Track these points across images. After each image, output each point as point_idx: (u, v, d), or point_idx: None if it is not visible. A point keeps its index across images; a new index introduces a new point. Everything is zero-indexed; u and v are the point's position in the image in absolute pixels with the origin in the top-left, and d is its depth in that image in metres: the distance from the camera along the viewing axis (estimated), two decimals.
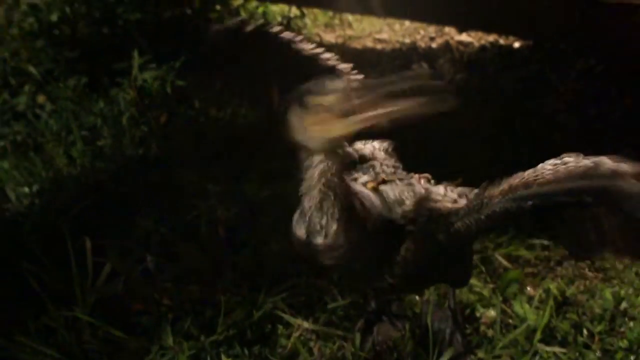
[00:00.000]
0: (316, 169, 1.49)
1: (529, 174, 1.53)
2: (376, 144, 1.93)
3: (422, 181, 1.79)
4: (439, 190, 1.71)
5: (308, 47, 1.85)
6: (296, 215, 1.64)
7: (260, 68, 1.88)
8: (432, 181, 1.80)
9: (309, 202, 1.54)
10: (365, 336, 2.04)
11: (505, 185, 1.55)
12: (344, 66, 1.86)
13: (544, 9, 3.44)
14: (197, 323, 2.05)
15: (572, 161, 1.48)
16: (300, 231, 1.59)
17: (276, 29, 1.82)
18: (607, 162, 1.43)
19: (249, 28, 1.79)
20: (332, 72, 1.82)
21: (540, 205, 1.48)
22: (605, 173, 1.40)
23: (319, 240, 1.54)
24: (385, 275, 1.64)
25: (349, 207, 1.52)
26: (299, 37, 1.85)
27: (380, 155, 1.86)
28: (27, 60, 3.38)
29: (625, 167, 1.40)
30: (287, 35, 1.82)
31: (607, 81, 3.72)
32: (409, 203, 1.65)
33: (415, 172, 1.83)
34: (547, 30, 3.67)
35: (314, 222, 1.54)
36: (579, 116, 3.44)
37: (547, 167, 1.51)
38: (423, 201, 1.65)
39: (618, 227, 1.50)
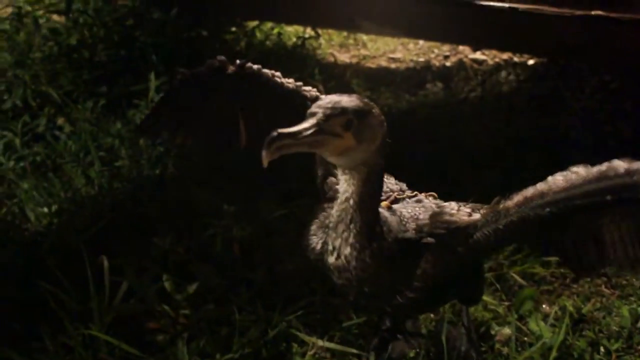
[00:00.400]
0: (341, 192, 1.56)
1: (541, 185, 1.56)
2: None
3: (430, 198, 1.81)
4: (452, 205, 1.73)
5: (290, 81, 1.92)
6: (314, 226, 1.72)
7: (233, 106, 1.97)
8: (438, 199, 1.82)
9: (329, 220, 1.61)
10: (379, 354, 2.05)
11: (519, 197, 1.57)
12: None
13: (558, 26, 3.45)
14: (213, 341, 2.07)
15: (582, 170, 1.53)
16: (316, 244, 1.67)
17: (256, 67, 1.89)
18: (619, 163, 1.48)
19: (231, 68, 1.89)
20: (314, 101, 1.87)
21: (557, 212, 1.50)
22: (620, 172, 1.46)
23: (331, 259, 1.61)
24: (405, 290, 1.66)
25: (367, 230, 1.56)
26: (278, 73, 1.92)
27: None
28: (47, 83, 3.44)
29: (638, 164, 1.47)
30: (267, 72, 1.90)
31: (622, 97, 3.72)
32: (423, 217, 1.68)
33: (422, 192, 1.85)
34: (561, 48, 3.67)
35: (328, 241, 1.61)
36: (594, 133, 3.43)
37: (558, 178, 1.54)
38: (438, 215, 1.68)
39: (620, 242, 1.55)
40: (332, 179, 1.82)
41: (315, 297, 2.25)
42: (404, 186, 1.90)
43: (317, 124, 1.41)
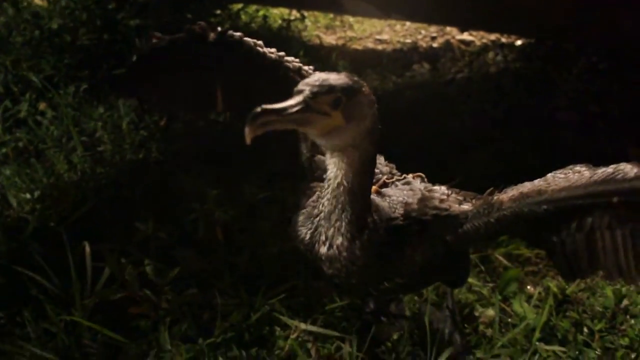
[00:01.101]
0: (331, 178, 1.51)
1: (539, 182, 1.53)
2: None
3: (418, 180, 1.79)
4: (442, 189, 1.71)
5: (272, 51, 1.86)
6: (301, 217, 1.68)
7: (211, 73, 1.92)
8: (426, 179, 1.80)
9: (318, 209, 1.58)
10: (363, 337, 2.04)
11: (515, 191, 1.55)
12: (308, 68, 1.86)
13: (545, 6, 3.43)
14: (195, 326, 2.06)
15: (585, 169, 1.49)
16: (305, 234, 1.63)
17: (237, 35, 1.84)
18: (628, 166, 1.43)
19: (212, 36, 1.84)
20: (297, 73, 1.83)
21: (555, 211, 1.48)
22: (630, 176, 1.41)
23: (323, 250, 1.58)
24: (391, 276, 1.65)
25: (358, 220, 1.53)
26: (260, 42, 1.86)
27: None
28: (29, 68, 3.39)
29: None
30: (249, 41, 1.85)
31: (610, 78, 3.72)
32: (411, 201, 1.65)
33: (410, 172, 1.83)
34: (549, 28, 3.66)
35: (320, 232, 1.58)
36: (581, 113, 3.43)
37: (559, 176, 1.52)
38: (427, 200, 1.65)
39: (612, 250, 1.50)
40: (320, 156, 1.77)
41: (299, 281, 2.24)
42: (394, 167, 1.88)
43: (304, 101, 1.37)
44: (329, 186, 1.53)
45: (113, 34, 3.60)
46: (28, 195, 2.69)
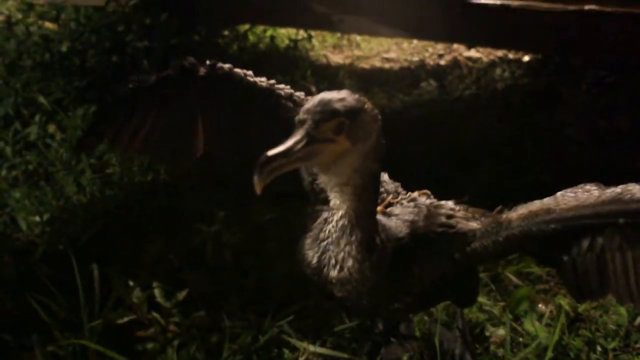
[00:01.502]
0: (334, 202, 1.49)
1: (548, 201, 1.51)
2: None
3: (424, 197, 1.77)
4: (449, 205, 1.68)
5: (262, 80, 1.86)
6: (308, 240, 1.64)
7: (195, 111, 1.91)
8: (432, 196, 1.78)
9: (325, 234, 1.55)
10: (372, 358, 2.02)
11: (524, 209, 1.52)
12: (299, 94, 1.86)
13: (551, 21, 3.43)
14: (203, 349, 2.04)
15: (594, 189, 1.47)
16: (312, 258, 1.59)
17: (227, 67, 1.83)
18: (635, 187, 1.41)
19: (202, 70, 1.82)
20: (289, 99, 1.82)
21: (563, 230, 1.46)
22: (637, 197, 1.39)
23: (333, 273, 1.54)
24: (400, 296, 1.62)
25: (367, 242, 1.51)
26: (250, 72, 1.85)
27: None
28: (38, 90, 3.43)
29: None
30: (239, 72, 1.84)
31: (618, 92, 3.70)
32: (417, 219, 1.63)
33: (416, 190, 1.81)
34: (555, 43, 3.65)
35: (329, 255, 1.54)
36: (589, 128, 3.41)
37: (568, 195, 1.49)
38: (433, 216, 1.63)
39: (622, 273, 1.47)
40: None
41: (308, 302, 2.22)
42: (399, 186, 1.84)
43: (307, 134, 1.32)
44: (333, 214, 1.50)
45: (121, 56, 3.64)
46: (37, 218, 2.70)
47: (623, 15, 3.28)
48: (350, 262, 1.51)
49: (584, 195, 1.47)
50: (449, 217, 1.63)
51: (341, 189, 1.45)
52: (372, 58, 4.35)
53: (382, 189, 1.75)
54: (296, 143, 1.31)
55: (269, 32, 4.28)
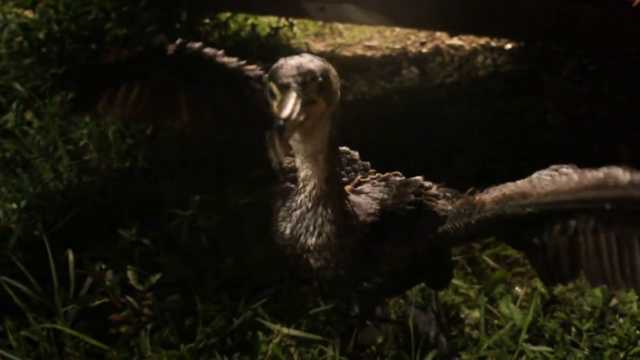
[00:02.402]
0: (306, 173, 1.46)
1: (523, 184, 1.49)
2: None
3: (396, 178, 1.76)
4: (419, 182, 1.66)
5: (232, 60, 1.83)
6: (281, 213, 1.61)
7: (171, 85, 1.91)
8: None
9: (297, 203, 1.52)
10: (347, 340, 2.02)
11: (497, 192, 1.51)
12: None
13: (532, 8, 3.43)
14: (177, 332, 2.04)
15: (572, 172, 1.44)
16: (285, 229, 1.56)
17: (197, 46, 1.81)
18: (618, 171, 1.38)
19: (171, 48, 1.80)
20: (258, 81, 1.81)
21: (539, 214, 1.45)
22: (623, 183, 1.36)
23: (311, 240, 1.51)
24: (372, 274, 1.61)
25: (341, 208, 1.50)
26: (221, 52, 1.83)
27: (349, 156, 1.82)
28: (15, 78, 3.40)
29: None
30: (209, 51, 1.82)
31: (599, 80, 3.71)
32: (387, 197, 1.62)
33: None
34: (536, 30, 3.65)
35: (307, 223, 1.51)
36: (570, 115, 3.42)
37: (544, 178, 1.47)
38: (402, 196, 1.61)
39: (594, 254, 1.46)
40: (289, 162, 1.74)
41: (283, 285, 2.22)
42: (369, 165, 1.81)
43: (297, 97, 1.28)
44: (305, 185, 1.48)
45: (100, 44, 3.61)
46: (14, 205, 2.68)
47: (603, 1, 3.28)
48: (328, 227, 1.49)
49: (562, 179, 1.44)
50: (418, 194, 1.62)
51: (314, 157, 1.43)
52: (354, 46, 4.34)
53: (350, 168, 1.75)
54: (295, 105, 1.27)
55: (250, 20, 4.26)
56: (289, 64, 1.33)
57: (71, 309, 2.09)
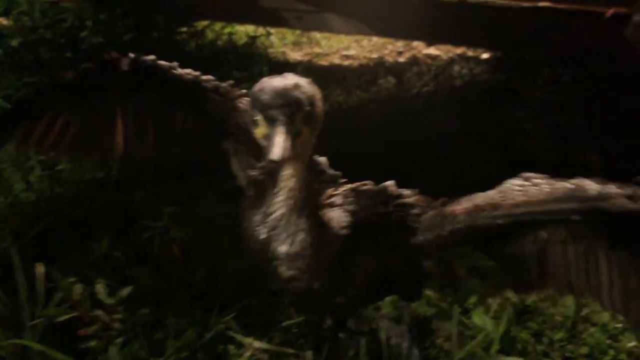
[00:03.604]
0: (285, 178, 1.43)
1: (494, 195, 1.48)
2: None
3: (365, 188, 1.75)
4: (391, 189, 1.65)
5: (188, 72, 1.82)
6: (257, 217, 1.52)
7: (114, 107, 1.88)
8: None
9: (272, 209, 1.47)
10: (319, 353, 2.00)
11: (469, 203, 1.50)
12: (225, 85, 1.83)
13: (507, 18, 3.46)
14: (147, 346, 2.01)
15: (544, 183, 1.44)
16: (260, 233, 1.49)
17: (150, 59, 1.80)
18: (588, 183, 1.38)
19: (125, 63, 1.78)
20: (215, 92, 1.80)
21: (511, 225, 1.44)
22: (592, 195, 1.36)
23: (284, 248, 1.47)
24: (346, 287, 1.60)
25: (315, 219, 1.48)
26: (175, 64, 1.82)
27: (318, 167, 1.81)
28: None
29: (613, 188, 1.36)
30: (163, 64, 1.81)
31: (574, 89, 3.74)
32: (357, 209, 1.60)
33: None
34: (511, 40, 3.68)
35: (280, 230, 1.47)
36: (546, 124, 3.44)
37: (515, 188, 1.46)
38: (373, 207, 1.60)
39: (563, 265, 1.47)
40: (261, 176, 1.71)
41: (255, 298, 2.20)
42: (340, 175, 1.80)
43: (286, 132, 1.26)
44: (281, 189, 1.43)
45: (75, 52, 3.58)
46: None
47: (576, 12, 3.32)
48: (302, 236, 1.45)
49: (533, 190, 1.44)
50: (388, 204, 1.60)
51: (294, 165, 1.40)
52: (331, 55, 4.34)
53: (319, 179, 1.74)
54: (285, 142, 1.25)
55: (228, 29, 4.25)
56: (274, 91, 1.28)
57: (39, 323, 2.06)
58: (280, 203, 1.45)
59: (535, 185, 1.45)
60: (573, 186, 1.39)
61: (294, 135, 1.28)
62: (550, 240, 1.47)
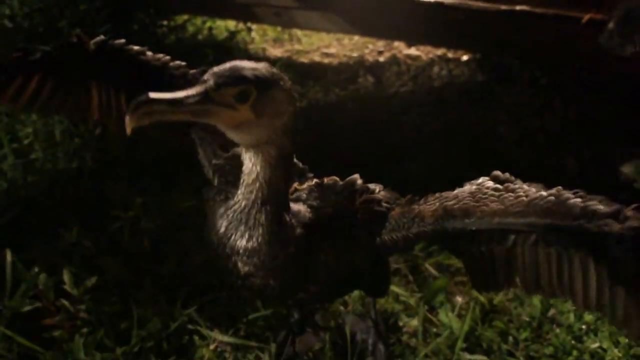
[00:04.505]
0: (246, 173, 1.42)
1: (465, 195, 1.47)
2: None
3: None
4: (357, 184, 1.64)
5: (158, 57, 1.81)
6: (222, 209, 1.52)
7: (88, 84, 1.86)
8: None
9: (234, 201, 1.46)
10: (283, 346, 2.01)
11: (438, 205, 1.48)
12: (193, 72, 1.81)
13: (484, 21, 3.47)
14: (112, 335, 2.01)
15: (519, 189, 1.42)
16: (220, 226, 1.49)
17: (118, 43, 1.79)
18: (571, 198, 1.35)
19: (91, 46, 1.76)
20: (183, 78, 1.79)
21: (481, 231, 1.43)
22: (575, 213, 1.32)
23: (242, 242, 1.45)
24: (307, 284, 1.59)
25: (277, 217, 1.44)
26: (144, 49, 1.81)
27: None
28: None
29: (597, 205, 1.33)
30: (131, 48, 1.80)
31: (551, 93, 3.77)
32: (323, 205, 1.58)
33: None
34: (489, 43, 3.70)
35: (239, 224, 1.45)
36: (522, 127, 3.46)
37: (489, 192, 1.45)
38: (339, 204, 1.59)
39: (532, 265, 1.45)
40: (225, 166, 1.69)
41: (223, 291, 2.20)
42: (307, 169, 1.79)
43: (204, 93, 1.25)
44: (244, 180, 1.42)
45: (54, 42, 3.55)
46: None
47: (554, 16, 3.34)
48: (260, 231, 1.42)
49: (509, 197, 1.42)
50: (353, 201, 1.59)
51: (255, 152, 1.37)
52: (312, 53, 4.35)
53: None
54: (188, 97, 1.25)
55: (208, 24, 4.24)
56: (227, 64, 1.30)
57: (4, 311, 2.05)
58: (240, 196, 1.44)
59: (510, 191, 1.44)
60: (553, 198, 1.36)
61: (214, 102, 1.27)
62: (520, 243, 1.45)
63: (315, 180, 1.71)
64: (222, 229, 1.48)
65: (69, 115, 2.12)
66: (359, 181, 1.66)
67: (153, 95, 1.21)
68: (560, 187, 1.40)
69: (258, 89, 1.28)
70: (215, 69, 1.29)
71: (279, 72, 1.34)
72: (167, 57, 1.81)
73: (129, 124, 1.19)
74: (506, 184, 1.47)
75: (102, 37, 1.78)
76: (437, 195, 1.55)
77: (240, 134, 1.35)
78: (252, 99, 1.28)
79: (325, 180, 1.70)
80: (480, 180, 1.54)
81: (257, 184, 1.40)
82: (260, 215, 1.42)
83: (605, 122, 3.36)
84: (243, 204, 1.44)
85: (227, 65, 1.30)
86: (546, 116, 3.58)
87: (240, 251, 1.45)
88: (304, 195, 1.64)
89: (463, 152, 3.17)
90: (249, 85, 1.28)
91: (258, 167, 1.39)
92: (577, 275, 1.41)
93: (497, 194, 1.45)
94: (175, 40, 3.97)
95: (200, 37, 4.11)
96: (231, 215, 1.46)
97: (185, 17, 4.14)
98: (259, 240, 1.44)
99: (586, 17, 3.12)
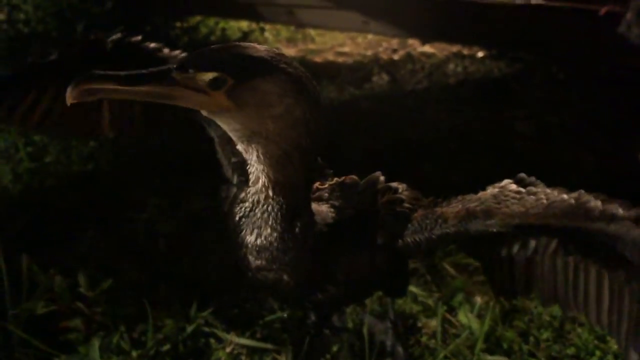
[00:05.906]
0: (251, 172, 1.36)
1: (488, 198, 1.44)
2: None
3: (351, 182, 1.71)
4: (379, 182, 1.60)
5: (176, 53, 1.75)
6: (236, 207, 1.45)
7: None
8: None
9: (247, 198, 1.41)
10: (300, 349, 1.98)
11: (460, 207, 1.45)
12: None
13: (500, 16, 3.45)
14: (128, 338, 2.00)
15: (540, 192, 1.40)
16: (236, 216, 1.43)
17: (135, 40, 1.74)
18: (592, 201, 1.32)
19: (110, 43, 1.70)
20: None
21: (501, 234, 1.39)
22: (594, 215, 1.29)
23: (250, 238, 1.41)
24: (326, 285, 1.57)
25: (290, 215, 1.39)
26: (162, 45, 1.76)
27: None
28: None
29: (617, 209, 1.29)
30: (149, 45, 1.75)
31: (568, 88, 3.73)
32: (345, 206, 1.53)
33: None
34: (505, 38, 3.67)
35: (247, 221, 1.40)
36: (538, 123, 3.42)
37: (511, 194, 1.42)
38: (360, 204, 1.55)
39: (550, 275, 1.44)
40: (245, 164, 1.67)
41: (240, 292, 2.19)
42: (326, 167, 1.73)
43: (165, 73, 1.17)
44: (252, 180, 1.36)
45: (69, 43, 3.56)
46: None
47: (570, 10, 3.30)
48: (268, 231, 1.38)
49: (530, 199, 1.39)
50: (375, 201, 1.56)
51: (249, 145, 1.30)
52: (326, 52, 4.32)
53: None
54: (142, 75, 1.17)
55: (221, 25, 4.23)
56: (214, 47, 1.21)
57: (20, 313, 2.04)
58: (250, 194, 1.39)
59: (532, 194, 1.41)
60: (573, 201, 1.33)
61: (179, 84, 1.19)
62: (540, 251, 1.44)
63: (335, 179, 1.68)
64: (237, 219, 1.43)
65: (79, 132, 2.08)
66: (381, 178, 1.63)
67: (98, 72, 1.13)
68: (582, 191, 1.37)
69: (236, 78, 1.19)
70: (195, 51, 1.21)
71: (284, 62, 1.22)
72: (185, 54, 1.78)
73: (68, 98, 1.13)
74: (528, 187, 1.44)
75: (119, 34, 1.75)
76: (460, 197, 1.53)
77: (222, 122, 1.27)
78: (227, 87, 1.19)
79: (346, 179, 1.67)
80: (504, 182, 1.51)
81: (260, 182, 1.35)
82: (267, 215, 1.38)
83: (623, 117, 3.32)
84: (251, 202, 1.39)
85: (207, 49, 1.21)
86: (563, 112, 3.54)
87: (250, 246, 1.42)
88: (326, 195, 1.60)
89: (479, 149, 3.14)
90: (223, 73, 1.18)
91: (261, 164, 1.32)
92: (591, 289, 1.40)
93: (518, 196, 1.42)
94: (189, 41, 3.97)
95: (213, 37, 4.10)
96: (242, 212, 1.42)
97: (198, 18, 4.14)
98: (268, 238, 1.40)
99: (604, 9, 3.09)
